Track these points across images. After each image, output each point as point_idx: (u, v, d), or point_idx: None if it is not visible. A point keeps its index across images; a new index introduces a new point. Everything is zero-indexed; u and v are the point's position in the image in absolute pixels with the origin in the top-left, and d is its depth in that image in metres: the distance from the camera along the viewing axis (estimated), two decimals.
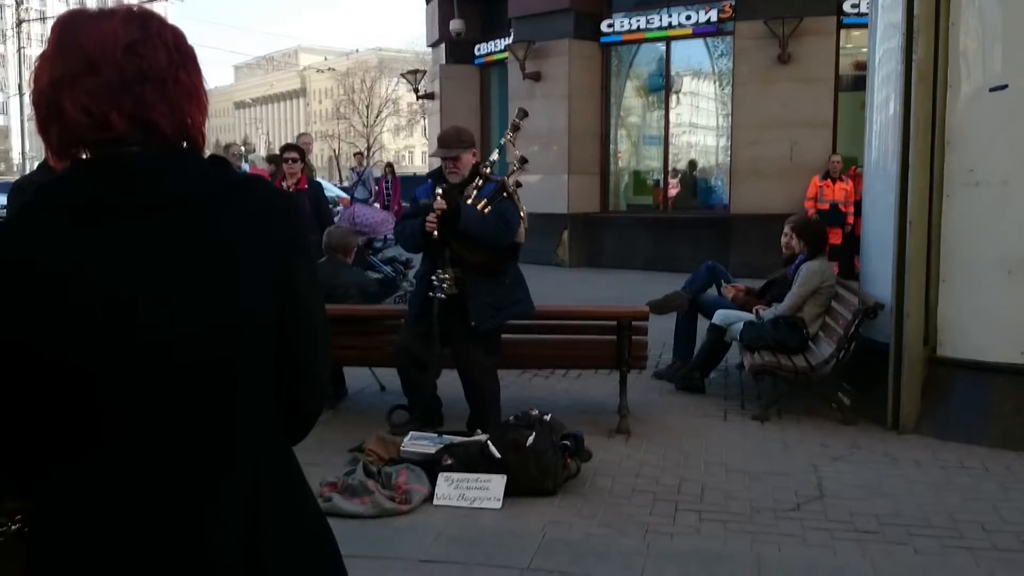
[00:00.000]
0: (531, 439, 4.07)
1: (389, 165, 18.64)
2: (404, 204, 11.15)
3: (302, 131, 13.82)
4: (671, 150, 14.19)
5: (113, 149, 1.17)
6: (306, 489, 1.33)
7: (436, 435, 4.43)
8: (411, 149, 73.61)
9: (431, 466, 4.12)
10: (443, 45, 16.83)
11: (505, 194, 4.52)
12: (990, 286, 4.90)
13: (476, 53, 16.38)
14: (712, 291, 6.53)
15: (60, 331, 1.11)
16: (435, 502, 3.95)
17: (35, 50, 36.65)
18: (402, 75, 20.60)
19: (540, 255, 12.58)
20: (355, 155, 19.19)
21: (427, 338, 4.56)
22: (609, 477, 4.30)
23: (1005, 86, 4.81)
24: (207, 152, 1.31)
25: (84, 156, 1.19)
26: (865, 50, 7.23)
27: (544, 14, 13.81)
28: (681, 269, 9.13)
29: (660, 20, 13.61)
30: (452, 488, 3.99)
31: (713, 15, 13.10)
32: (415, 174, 27.56)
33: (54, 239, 1.12)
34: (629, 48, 14.32)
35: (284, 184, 7.02)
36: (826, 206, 11.46)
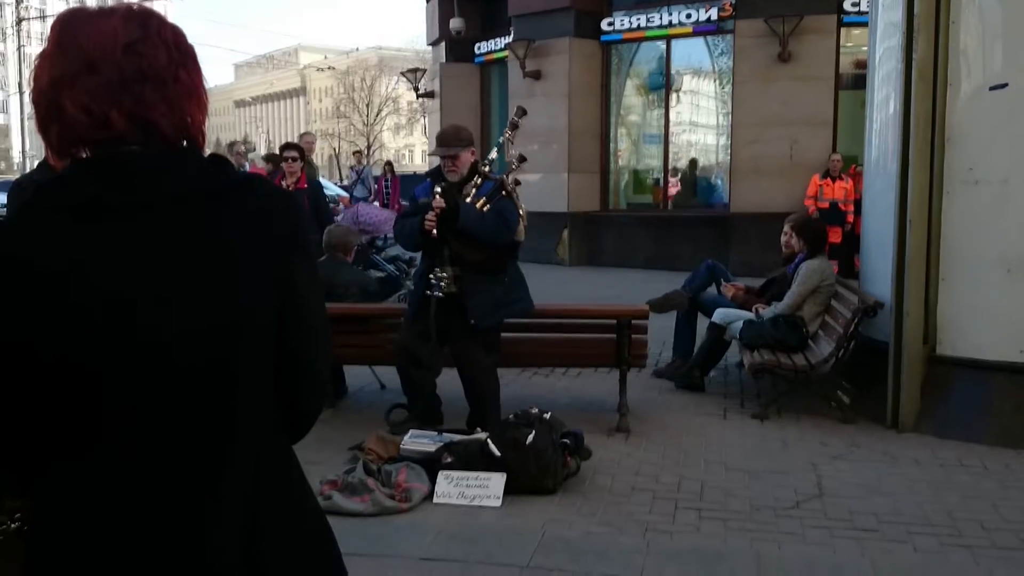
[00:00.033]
0: (531, 437, 4.07)
1: (388, 164, 18.66)
2: (404, 203, 11.16)
3: (305, 130, 13.80)
4: (671, 149, 14.19)
5: (113, 148, 1.17)
6: (306, 487, 1.33)
7: (436, 433, 4.44)
8: (411, 148, 73.59)
9: (431, 464, 4.12)
10: (443, 43, 16.82)
11: (504, 192, 4.52)
12: (990, 285, 4.90)
13: (476, 51, 16.37)
14: (712, 290, 6.53)
15: (60, 330, 1.11)
16: (435, 500, 3.95)
17: (35, 48, 36.63)
18: (402, 74, 20.60)
19: (540, 254, 12.59)
20: (354, 153, 19.20)
21: (426, 337, 4.57)
22: (609, 475, 4.31)
23: (1005, 85, 4.81)
24: (207, 151, 1.31)
25: (84, 155, 1.19)
26: (865, 48, 7.23)
27: (544, 12, 13.81)
28: (681, 268, 9.14)
29: (660, 18, 13.61)
30: (452, 486, 3.99)
31: (713, 13, 13.09)
32: (415, 173, 27.56)
33: (54, 238, 1.12)
34: (629, 46, 14.32)
35: (283, 183, 7.01)
36: (826, 205, 11.47)
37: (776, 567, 3.36)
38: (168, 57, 1.20)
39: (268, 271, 1.22)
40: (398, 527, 3.71)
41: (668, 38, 13.78)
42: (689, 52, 14.01)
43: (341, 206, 13.21)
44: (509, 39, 14.48)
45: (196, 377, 1.16)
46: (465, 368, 4.72)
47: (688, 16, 13.36)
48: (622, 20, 13.94)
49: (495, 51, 15.79)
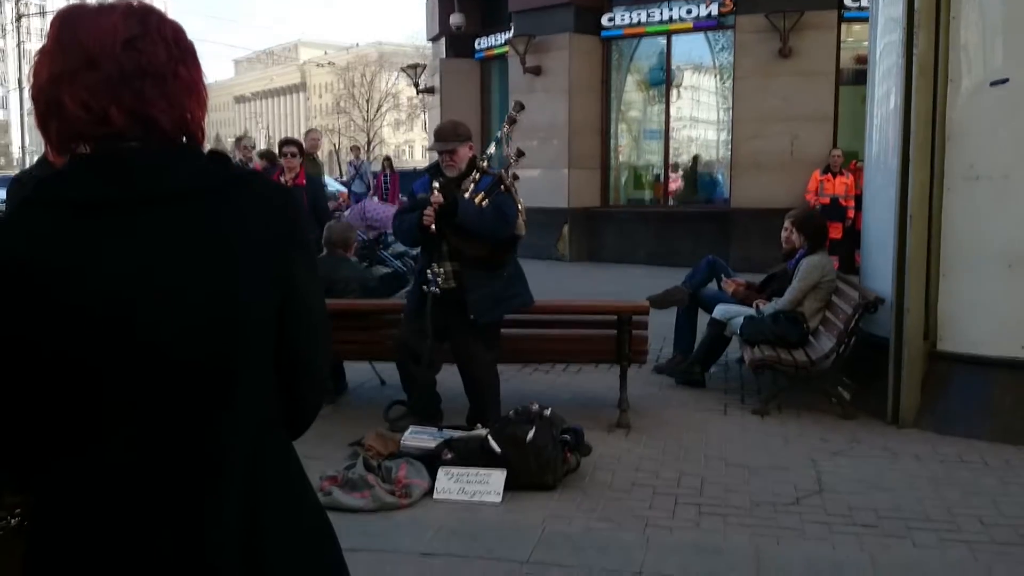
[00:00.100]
0: (531, 434, 4.07)
1: (387, 159, 18.67)
2: (403, 198, 11.19)
3: (310, 128, 13.78)
4: (671, 144, 14.18)
5: (112, 144, 1.17)
6: (306, 484, 1.33)
7: (436, 429, 4.44)
8: (411, 144, 73.52)
9: (431, 460, 4.13)
10: (443, 39, 16.80)
11: (503, 187, 4.52)
12: (990, 280, 4.90)
13: (476, 47, 16.35)
14: (712, 285, 6.53)
15: (60, 326, 1.11)
16: (435, 496, 3.96)
17: (35, 45, 36.62)
18: (402, 69, 20.57)
19: (540, 250, 12.59)
20: (352, 149, 19.20)
21: (425, 333, 4.57)
22: (609, 471, 4.31)
23: (1006, 80, 4.80)
24: (207, 147, 1.31)
25: (84, 151, 1.19)
26: (866, 44, 7.23)
27: (544, 8, 13.79)
28: (681, 264, 9.13)
29: (661, 14, 13.59)
30: (452, 482, 4.00)
31: (714, 9, 13.08)
32: (415, 169, 27.54)
33: (54, 234, 1.12)
34: (630, 42, 14.30)
35: (282, 179, 7.01)
36: (827, 200, 11.46)
37: (776, 563, 3.37)
38: (168, 53, 1.20)
39: (267, 267, 1.22)
40: (398, 523, 3.71)
41: (668, 34, 13.77)
42: (689, 48, 13.99)
43: (341, 201, 13.22)
44: (509, 35, 14.47)
45: (195, 373, 1.16)
46: (465, 364, 4.72)
47: (688, 11, 13.35)
48: (622, 16, 13.92)
49: (495, 47, 15.77)
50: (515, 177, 4.66)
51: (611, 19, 13.97)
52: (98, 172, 1.17)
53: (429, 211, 4.42)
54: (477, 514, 3.80)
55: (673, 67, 14.04)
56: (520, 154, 4.73)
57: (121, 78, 1.16)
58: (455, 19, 15.86)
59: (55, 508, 1.16)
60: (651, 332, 5.20)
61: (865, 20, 8.43)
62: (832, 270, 5.90)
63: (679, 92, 14.29)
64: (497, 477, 3.98)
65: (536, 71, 13.97)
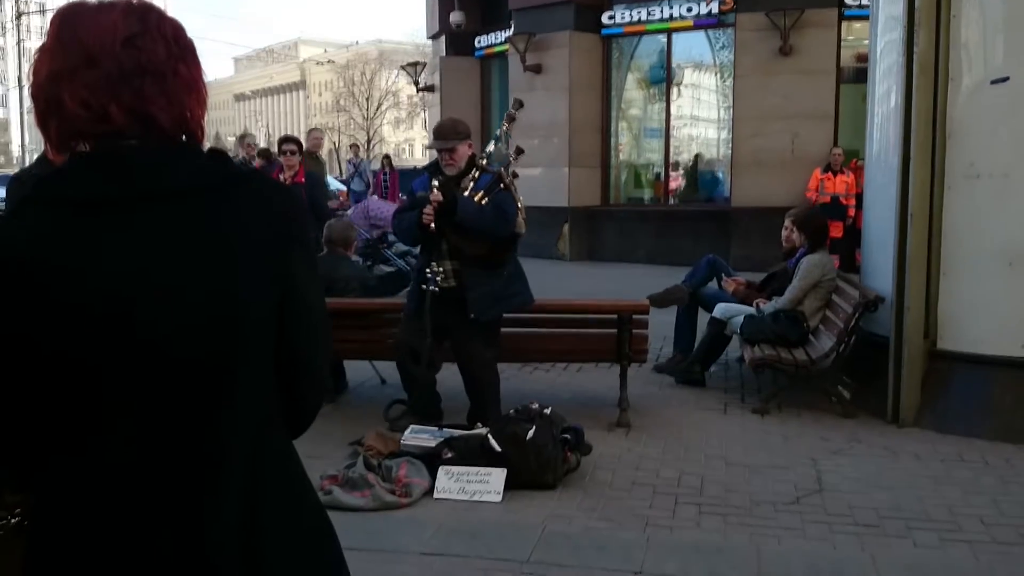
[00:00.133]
0: (531, 433, 4.07)
1: (387, 157, 18.66)
2: (402, 197, 11.19)
3: (313, 127, 13.78)
4: (672, 143, 14.17)
5: (112, 142, 1.17)
6: (306, 483, 1.33)
7: (436, 428, 4.44)
8: (411, 142, 73.49)
9: (431, 459, 4.12)
10: (443, 37, 16.80)
11: (502, 185, 4.51)
12: (991, 279, 4.90)
13: (476, 45, 16.34)
14: (712, 284, 6.53)
15: (59, 325, 1.11)
16: (435, 495, 3.95)
17: (35, 43, 36.60)
18: (402, 67, 20.56)
19: (541, 248, 12.58)
20: (351, 147, 19.18)
21: (425, 332, 4.56)
22: (609, 470, 4.31)
23: (1007, 79, 4.80)
24: (206, 145, 1.31)
25: (83, 149, 1.19)
26: (866, 42, 7.21)
27: (544, 6, 13.78)
28: (682, 262, 9.12)
29: (661, 12, 13.58)
30: (452, 481, 3.99)
31: (714, 7, 13.06)
32: (415, 167, 27.55)
33: (54, 232, 1.12)
34: (630, 40, 14.29)
35: (281, 176, 7.01)
36: (827, 199, 11.45)
37: (776, 562, 3.37)
38: (167, 51, 1.20)
39: (267, 265, 1.22)
40: (398, 522, 3.71)
41: (669, 32, 13.76)
42: (690, 46, 13.98)
43: (344, 201, 13.23)
44: (509, 33, 14.45)
45: (195, 371, 1.16)
46: (465, 363, 4.72)
47: (689, 9, 13.34)
48: (623, 13, 13.91)
49: (495, 45, 15.76)
50: (514, 175, 4.65)
51: (611, 17, 13.96)
52: (98, 170, 1.16)
53: (428, 209, 4.41)
54: (477, 513, 3.80)
55: (674, 65, 14.03)
56: (519, 152, 4.73)
57: (121, 76, 1.16)
58: (455, 17, 15.85)
59: (55, 506, 1.16)
60: (651, 331, 5.19)
61: (866, 18, 8.42)
62: (832, 269, 5.90)
63: (679, 90, 14.28)
64: (497, 476, 3.98)
65: (536, 69, 13.96)
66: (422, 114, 48.97)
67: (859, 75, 10.78)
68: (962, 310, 5.02)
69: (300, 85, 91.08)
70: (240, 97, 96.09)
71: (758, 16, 12.28)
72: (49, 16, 1.33)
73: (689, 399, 5.65)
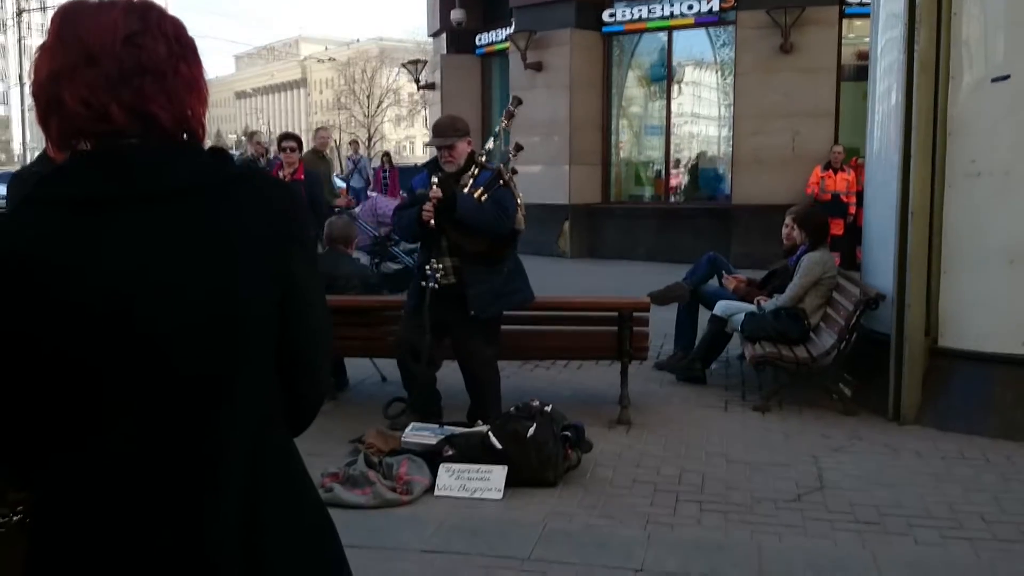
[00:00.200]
0: (532, 430, 4.07)
1: (386, 154, 18.66)
2: (403, 194, 11.19)
3: (320, 125, 13.77)
4: (673, 140, 14.15)
5: (113, 141, 1.17)
6: (307, 480, 1.33)
7: (437, 426, 4.44)
8: (412, 139, 73.46)
9: (432, 457, 4.13)
10: (444, 35, 16.78)
11: (502, 182, 4.51)
12: (991, 276, 4.90)
13: (477, 43, 16.32)
14: (713, 282, 6.53)
15: (60, 323, 1.11)
16: (436, 493, 3.96)
17: (35, 40, 36.55)
18: (403, 65, 20.57)
19: (541, 246, 12.58)
20: (350, 143, 19.18)
21: (424, 329, 4.56)
22: (610, 468, 4.31)
23: (1007, 76, 4.79)
24: (208, 143, 1.31)
25: (84, 148, 1.19)
26: (867, 40, 7.20)
27: (545, 3, 13.76)
28: (682, 260, 9.11)
29: (662, 9, 13.56)
30: (453, 479, 4.00)
31: (715, 4, 13.04)
32: (415, 164, 27.55)
33: (54, 231, 1.12)
34: (631, 38, 14.27)
35: (281, 174, 7.01)
36: (828, 196, 11.44)
37: (777, 559, 3.37)
38: (168, 50, 1.20)
39: (267, 263, 1.22)
40: (399, 519, 3.71)
41: (670, 29, 13.73)
42: (691, 43, 13.96)
43: (350, 199, 13.23)
44: (510, 30, 14.43)
45: (195, 370, 1.16)
46: (465, 360, 4.72)
47: (690, 7, 13.31)
48: (623, 11, 13.89)
49: (496, 42, 15.74)
50: (514, 171, 4.65)
51: (612, 15, 13.94)
52: (98, 169, 1.16)
53: (428, 206, 4.41)
54: (478, 510, 3.80)
55: (674, 63, 14.01)
56: (518, 148, 4.72)
57: (121, 75, 1.16)
58: (456, 15, 15.84)
59: (56, 504, 1.16)
60: (652, 328, 5.19)
61: (866, 16, 8.41)
62: (833, 266, 5.90)
63: (680, 88, 14.26)
64: (498, 473, 3.98)
65: (537, 67, 13.95)
66: (423, 112, 48.92)
67: (860, 73, 10.76)
68: (963, 307, 5.02)
69: (301, 83, 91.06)
70: (241, 95, 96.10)
71: (759, 14, 12.26)
72: (50, 13, 1.32)
73: (690, 396, 5.65)
